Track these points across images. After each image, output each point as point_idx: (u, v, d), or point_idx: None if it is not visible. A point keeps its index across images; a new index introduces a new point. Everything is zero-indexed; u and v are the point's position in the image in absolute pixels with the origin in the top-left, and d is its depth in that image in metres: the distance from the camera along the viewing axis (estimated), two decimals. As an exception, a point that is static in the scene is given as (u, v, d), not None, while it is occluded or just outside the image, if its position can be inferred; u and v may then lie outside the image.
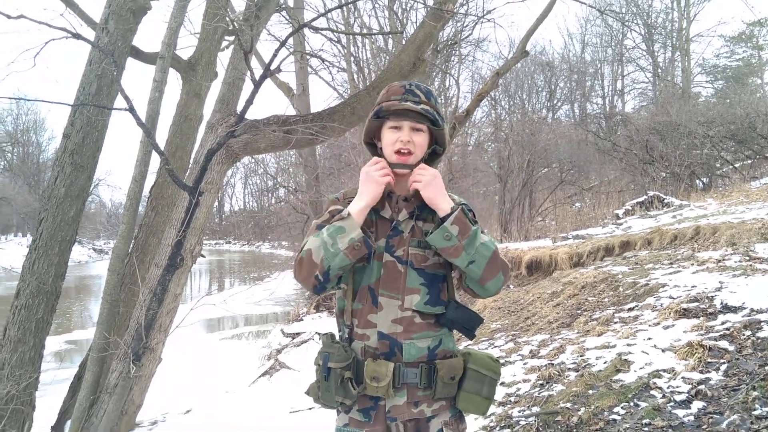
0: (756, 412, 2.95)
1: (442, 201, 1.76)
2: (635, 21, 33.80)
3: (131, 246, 6.31)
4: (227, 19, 6.30)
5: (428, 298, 1.80)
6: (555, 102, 33.18)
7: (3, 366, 5.70)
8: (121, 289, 6.13)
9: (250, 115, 5.49)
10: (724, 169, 17.79)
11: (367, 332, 1.81)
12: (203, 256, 5.95)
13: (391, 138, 1.82)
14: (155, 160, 6.18)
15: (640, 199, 13.18)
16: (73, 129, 6.22)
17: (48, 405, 6.34)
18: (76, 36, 5.25)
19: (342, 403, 1.81)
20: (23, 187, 46.33)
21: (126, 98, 5.02)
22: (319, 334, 9.81)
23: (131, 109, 5.01)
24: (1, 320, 6.22)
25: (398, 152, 1.81)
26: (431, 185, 1.76)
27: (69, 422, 5.92)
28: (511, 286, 9.16)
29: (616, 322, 5.09)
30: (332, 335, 1.90)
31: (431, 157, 1.94)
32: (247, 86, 6.11)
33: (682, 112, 18.84)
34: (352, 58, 19.54)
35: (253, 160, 32.55)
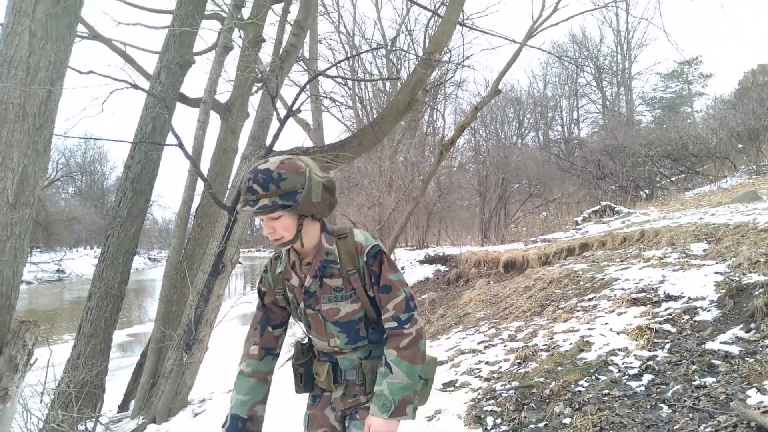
0: (695, 383, 2.95)
1: None
2: (587, 63, 33.96)
3: (181, 256, 6.32)
4: (256, 70, 6.35)
5: (347, 339, 1.79)
6: (523, 130, 33.19)
7: (79, 356, 5.72)
8: (174, 291, 6.15)
9: (276, 148, 5.52)
10: (662, 183, 17.77)
11: (317, 346, 1.90)
12: (240, 262, 5.95)
13: (264, 229, 1.69)
14: (200, 185, 6.21)
15: (595, 208, 13.08)
16: (133, 161, 6.26)
17: (115, 388, 6.32)
18: (135, 86, 5.32)
19: (298, 388, 1.95)
20: (90, 209, 46.48)
21: (176, 136, 5.07)
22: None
23: (180, 145, 5.05)
24: (75, 319, 6.20)
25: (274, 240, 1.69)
26: None
27: (133, 402, 5.92)
28: (492, 282, 9.13)
29: (578, 311, 5.07)
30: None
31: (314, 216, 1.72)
32: (274, 124, 6.16)
33: (627, 136, 18.90)
34: (357, 99, 19.65)
35: (278, 183, 32.41)
